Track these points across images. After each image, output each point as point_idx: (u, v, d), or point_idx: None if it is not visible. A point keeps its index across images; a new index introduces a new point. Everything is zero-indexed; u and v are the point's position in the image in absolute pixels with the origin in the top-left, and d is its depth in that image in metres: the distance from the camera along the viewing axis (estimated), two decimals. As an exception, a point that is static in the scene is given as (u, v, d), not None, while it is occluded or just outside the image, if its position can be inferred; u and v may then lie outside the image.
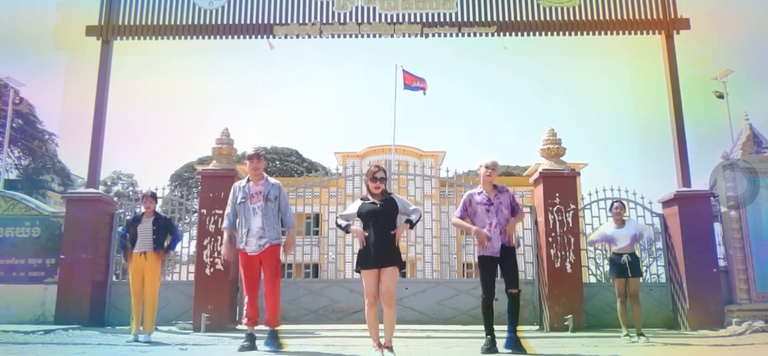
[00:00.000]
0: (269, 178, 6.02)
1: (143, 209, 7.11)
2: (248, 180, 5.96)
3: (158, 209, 7.59)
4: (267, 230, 5.75)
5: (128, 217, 9.78)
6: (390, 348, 4.96)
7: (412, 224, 5.23)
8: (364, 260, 5.06)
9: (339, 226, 5.31)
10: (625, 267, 7.05)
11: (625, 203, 7.63)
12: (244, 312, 5.81)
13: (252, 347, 5.67)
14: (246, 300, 5.79)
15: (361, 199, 5.27)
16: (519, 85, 76.38)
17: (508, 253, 5.59)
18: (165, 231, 7.03)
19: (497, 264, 5.61)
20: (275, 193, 5.90)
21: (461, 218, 5.86)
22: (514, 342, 5.47)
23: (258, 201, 5.82)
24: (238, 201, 5.88)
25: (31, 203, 9.65)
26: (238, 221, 5.90)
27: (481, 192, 5.77)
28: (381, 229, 5.04)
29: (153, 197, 7.18)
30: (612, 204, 7.55)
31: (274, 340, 5.71)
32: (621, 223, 7.28)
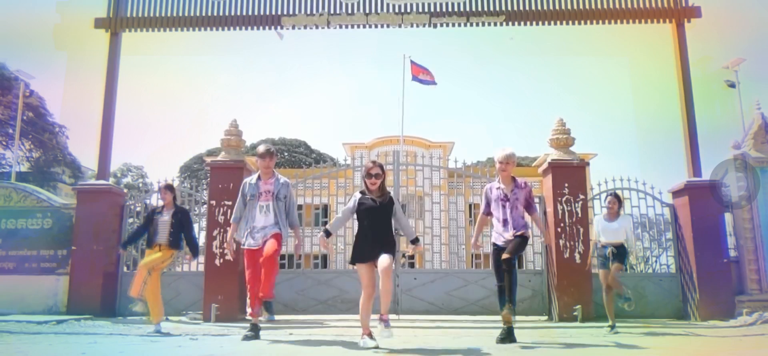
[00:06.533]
0: (279, 176, 6.07)
1: (162, 202, 7.08)
2: (259, 177, 6.01)
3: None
4: (271, 228, 5.81)
5: (138, 208, 9.86)
6: (386, 321, 4.91)
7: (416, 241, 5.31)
8: (361, 255, 5.12)
9: (325, 229, 5.35)
10: (608, 259, 6.97)
11: (620, 197, 7.48)
12: (248, 303, 5.90)
13: (256, 337, 5.74)
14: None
15: (361, 193, 5.29)
16: (527, 78, 76.04)
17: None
18: (182, 227, 6.88)
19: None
20: (284, 192, 5.97)
21: (485, 213, 5.92)
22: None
23: (267, 199, 5.88)
24: (247, 198, 5.95)
25: (43, 195, 9.73)
26: (244, 216, 5.98)
27: (499, 187, 5.79)
28: (378, 226, 5.13)
29: (169, 188, 7.05)
30: (606, 196, 7.41)
31: (268, 308, 5.71)
32: (614, 216, 7.12)
